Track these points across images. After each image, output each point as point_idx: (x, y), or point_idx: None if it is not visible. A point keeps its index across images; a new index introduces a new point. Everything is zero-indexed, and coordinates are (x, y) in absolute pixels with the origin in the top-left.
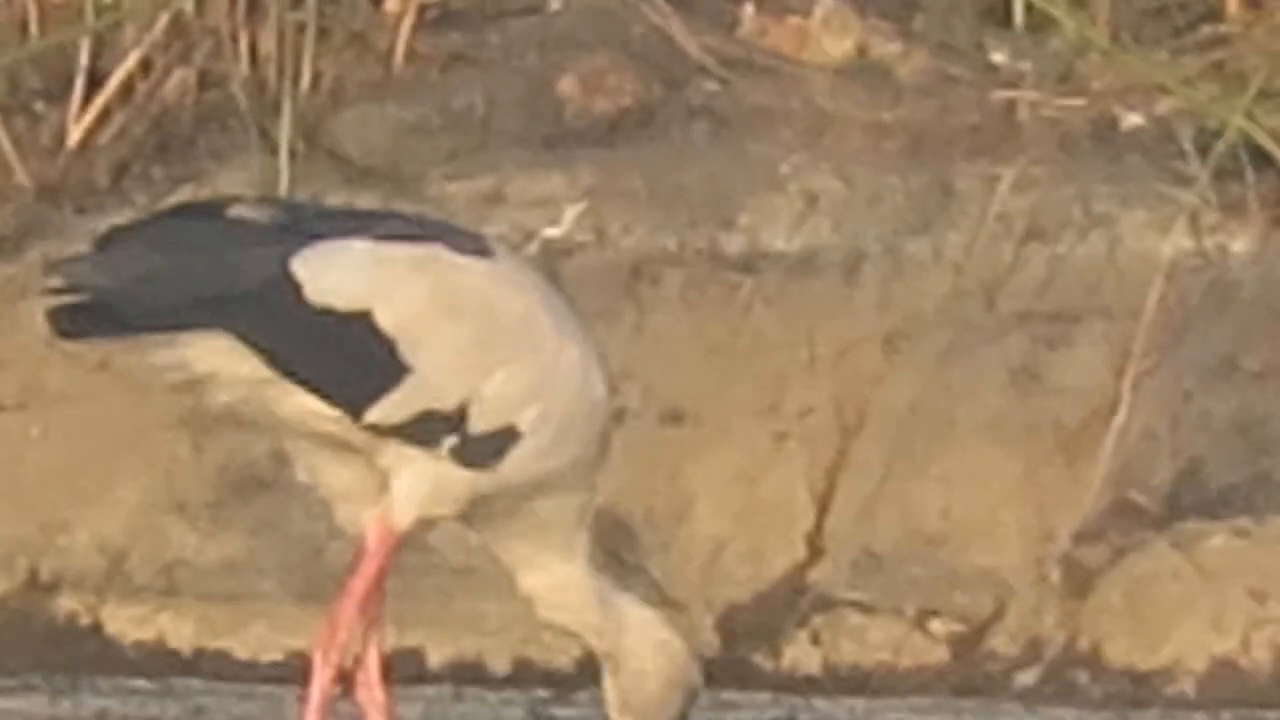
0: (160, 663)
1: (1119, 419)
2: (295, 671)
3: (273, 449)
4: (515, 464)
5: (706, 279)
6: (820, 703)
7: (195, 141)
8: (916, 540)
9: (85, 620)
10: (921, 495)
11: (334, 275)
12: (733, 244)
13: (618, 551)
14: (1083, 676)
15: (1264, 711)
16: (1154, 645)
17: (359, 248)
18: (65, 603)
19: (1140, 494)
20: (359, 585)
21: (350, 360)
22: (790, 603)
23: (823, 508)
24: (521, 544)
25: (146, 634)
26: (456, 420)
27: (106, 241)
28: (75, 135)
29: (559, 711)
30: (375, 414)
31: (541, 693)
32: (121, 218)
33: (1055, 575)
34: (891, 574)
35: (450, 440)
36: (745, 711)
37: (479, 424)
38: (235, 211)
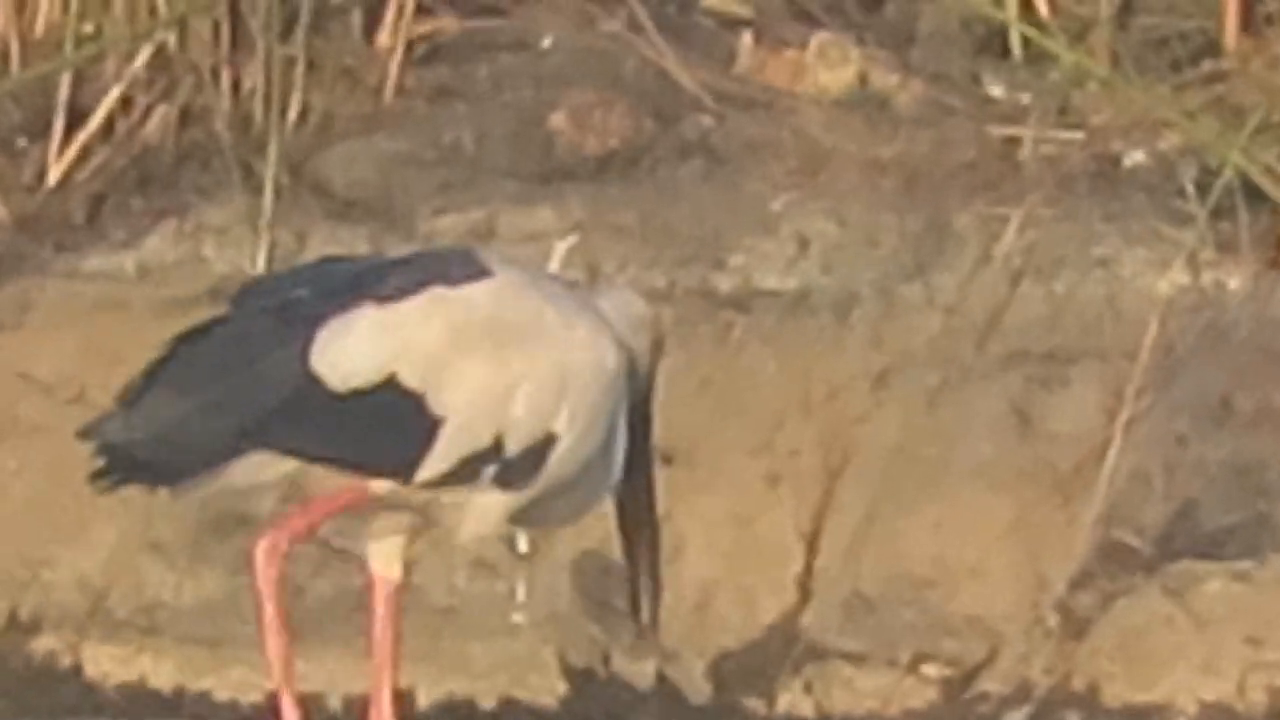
0: (141, 704)
1: (1110, 461)
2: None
3: None
4: (556, 465)
5: (698, 317)
6: None
7: (177, 177)
8: (907, 584)
9: (66, 661)
10: (912, 538)
11: (353, 358)
12: (725, 283)
13: (606, 598)
14: (1075, 718)
15: None
16: (1147, 689)
17: (366, 319)
18: (45, 642)
19: (1133, 537)
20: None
21: (387, 431)
22: (782, 648)
23: (812, 550)
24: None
25: (127, 675)
26: (494, 452)
27: (133, 395)
28: (56, 172)
29: None
30: (424, 473)
31: None
32: (99, 254)
33: (1048, 619)
34: (882, 618)
35: (490, 471)
36: None
37: (516, 446)
38: (237, 315)
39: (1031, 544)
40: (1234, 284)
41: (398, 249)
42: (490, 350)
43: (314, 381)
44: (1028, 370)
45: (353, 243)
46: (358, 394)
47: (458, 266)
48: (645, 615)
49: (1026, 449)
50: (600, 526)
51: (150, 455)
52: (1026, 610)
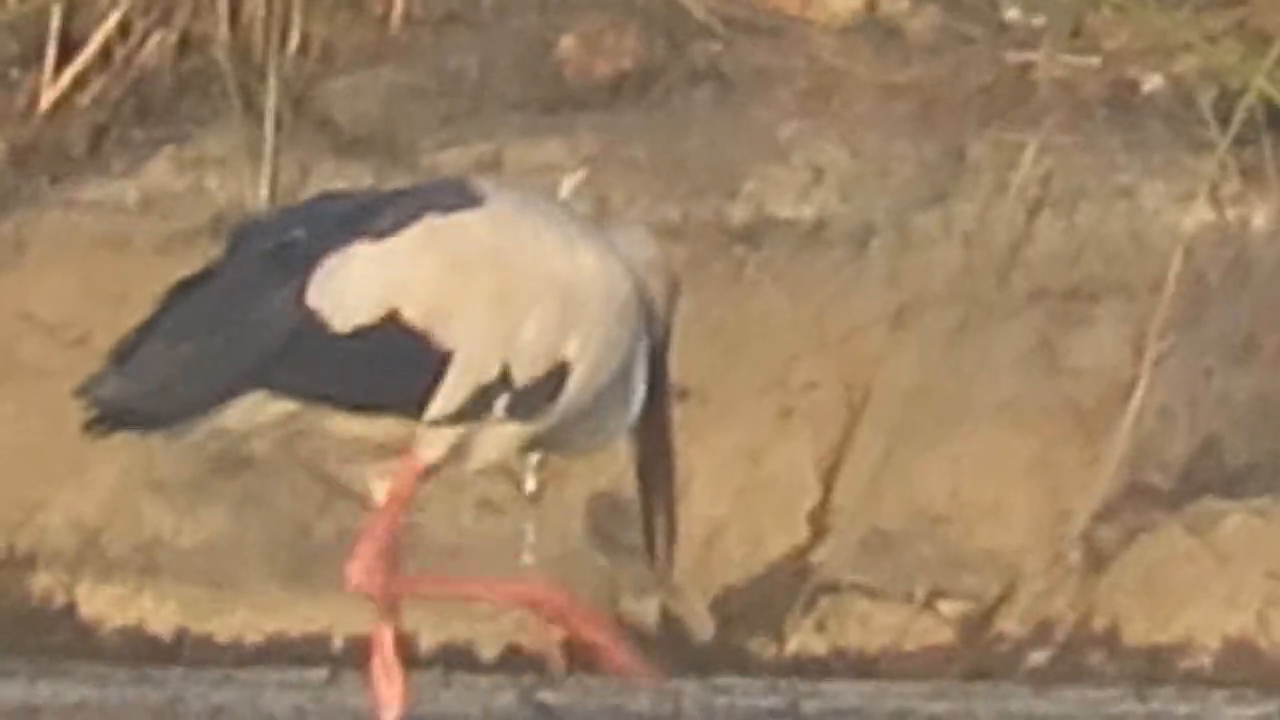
0: (139, 647)
1: (1136, 398)
2: (279, 656)
3: None
4: (573, 395)
5: (712, 252)
6: (826, 687)
7: (176, 106)
8: (924, 521)
9: (61, 602)
10: (930, 475)
11: (351, 296)
12: (738, 214)
13: (611, 535)
14: (1095, 657)
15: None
16: (1168, 625)
17: (362, 255)
18: (41, 584)
19: (1156, 473)
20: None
21: (392, 369)
22: (791, 586)
23: (827, 487)
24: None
25: (126, 617)
26: (502, 383)
27: (126, 349)
28: (48, 100)
29: (548, 696)
30: (435, 409)
31: (531, 678)
32: (98, 185)
33: (1068, 556)
34: (897, 555)
35: (501, 402)
36: (743, 697)
37: (524, 376)
38: (229, 262)
39: (1052, 480)
40: (1259, 218)
41: (402, 183)
42: (490, 279)
43: (313, 322)
44: (1050, 306)
45: (358, 176)
46: (359, 333)
47: (451, 196)
48: (659, 556)
49: (1048, 385)
50: (611, 467)
51: (144, 405)
52: (1046, 547)
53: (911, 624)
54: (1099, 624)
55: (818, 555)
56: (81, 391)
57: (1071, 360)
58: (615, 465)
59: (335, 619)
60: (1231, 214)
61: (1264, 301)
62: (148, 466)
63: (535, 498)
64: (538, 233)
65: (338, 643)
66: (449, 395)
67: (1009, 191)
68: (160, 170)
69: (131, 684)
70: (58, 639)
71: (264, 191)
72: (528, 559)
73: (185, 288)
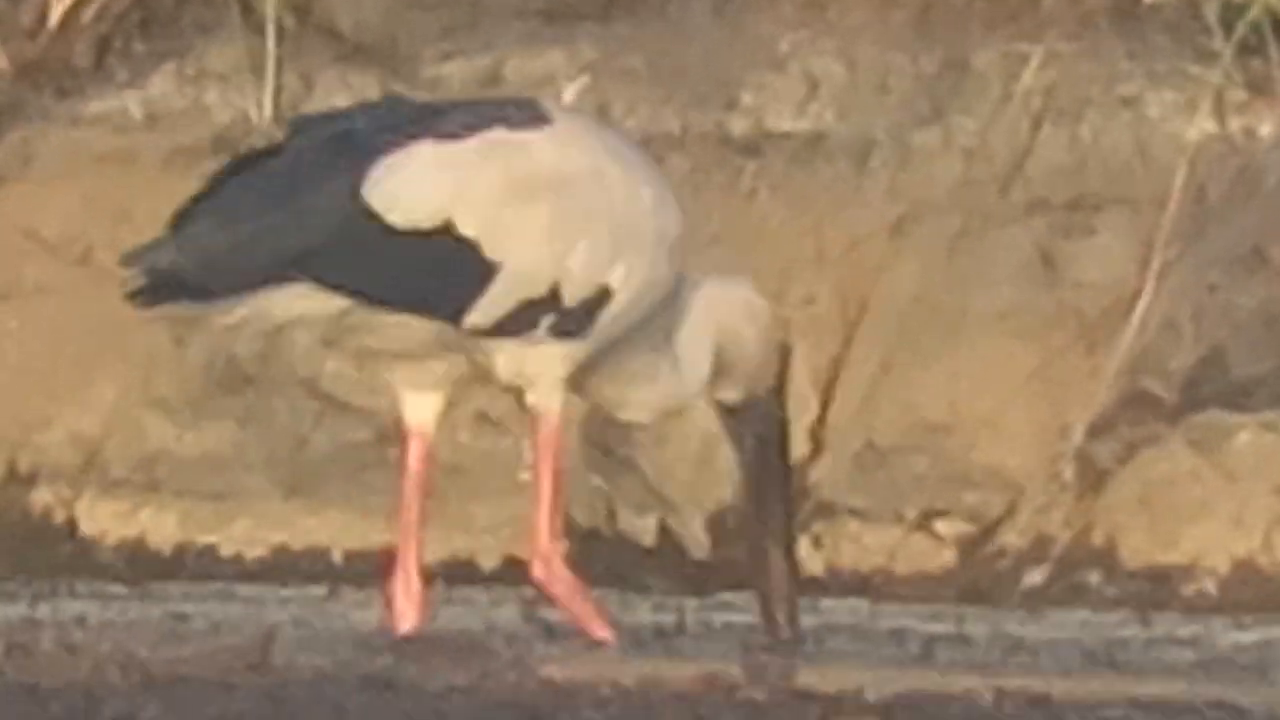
0: (140, 562)
1: (1140, 310)
2: (280, 570)
3: (257, 345)
4: (610, 321)
5: (711, 164)
6: (823, 605)
7: (179, 17)
8: (922, 435)
9: (62, 519)
10: (929, 389)
11: (408, 194)
12: (737, 126)
13: (608, 449)
14: (1095, 577)
15: None
16: (1171, 545)
17: (425, 156)
18: (42, 500)
19: (1159, 386)
20: (547, 487)
21: (440, 273)
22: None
23: (825, 401)
24: (615, 385)
25: (127, 532)
26: (550, 301)
27: (180, 220)
28: (56, 14)
29: (549, 612)
30: (474, 317)
31: (531, 592)
32: (102, 99)
33: (1068, 471)
34: (895, 471)
35: (547, 320)
36: (740, 614)
37: (572, 298)
38: (290, 145)
39: (1053, 394)
40: (1265, 129)
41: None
42: (549, 198)
43: (365, 215)
44: (1051, 217)
45: (362, 88)
46: (410, 233)
47: (519, 114)
48: (784, 623)
49: (1050, 297)
50: None
51: (191, 278)
52: (1046, 463)
53: (907, 542)
54: (1099, 543)
55: (815, 471)
56: (130, 259)
57: (1074, 272)
58: None
59: (335, 533)
60: (1236, 124)
61: (1270, 212)
62: (148, 383)
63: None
64: (599, 161)
65: (337, 556)
66: (490, 307)
67: (1011, 103)
68: (163, 85)
69: (132, 600)
70: (58, 556)
71: (267, 104)
72: (526, 476)
73: (243, 164)
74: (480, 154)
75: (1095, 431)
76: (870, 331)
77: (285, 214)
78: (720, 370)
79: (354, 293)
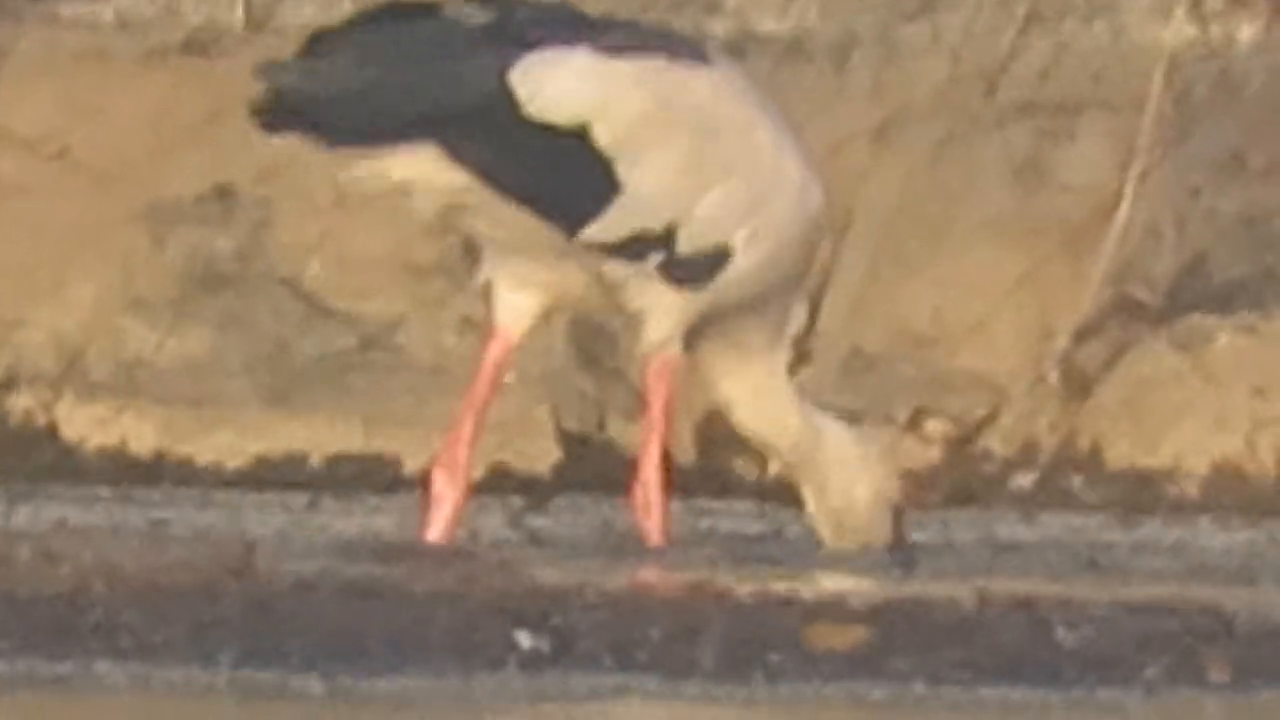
0: (120, 467)
1: (1122, 214)
2: (261, 478)
3: (238, 244)
4: (727, 283)
5: None
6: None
7: None
8: (908, 341)
9: (41, 423)
10: (914, 294)
11: (554, 89)
12: (719, 28)
13: (597, 356)
14: (1080, 481)
15: (1270, 517)
16: (1154, 448)
17: (580, 60)
18: (21, 405)
19: (1143, 290)
20: (655, 428)
21: (565, 177)
22: None
23: (813, 308)
24: (725, 355)
25: (106, 437)
26: (663, 240)
27: (320, 46)
28: None
29: (536, 520)
30: (588, 232)
31: (518, 500)
32: (76, 3)
33: (1053, 375)
34: (881, 376)
35: (657, 257)
36: (726, 520)
37: (688, 244)
38: (449, 11)
39: (1038, 298)
40: (1245, 33)
41: None
42: (691, 138)
43: (505, 98)
44: (1035, 122)
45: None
46: (543, 129)
47: (685, 49)
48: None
49: (1034, 201)
50: None
51: (320, 111)
52: (1031, 366)
53: (895, 446)
54: (1084, 446)
55: (802, 377)
56: (262, 72)
57: (1058, 176)
58: None
59: (316, 439)
60: (1217, 29)
61: (1251, 117)
62: (128, 285)
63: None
64: (752, 121)
65: (317, 463)
66: (606, 226)
67: (995, 4)
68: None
69: (113, 505)
70: (38, 460)
71: (239, 8)
72: (510, 379)
73: (397, 11)
74: (635, 75)
75: (1080, 336)
76: (856, 239)
77: (426, 73)
78: (833, 519)
79: (477, 170)
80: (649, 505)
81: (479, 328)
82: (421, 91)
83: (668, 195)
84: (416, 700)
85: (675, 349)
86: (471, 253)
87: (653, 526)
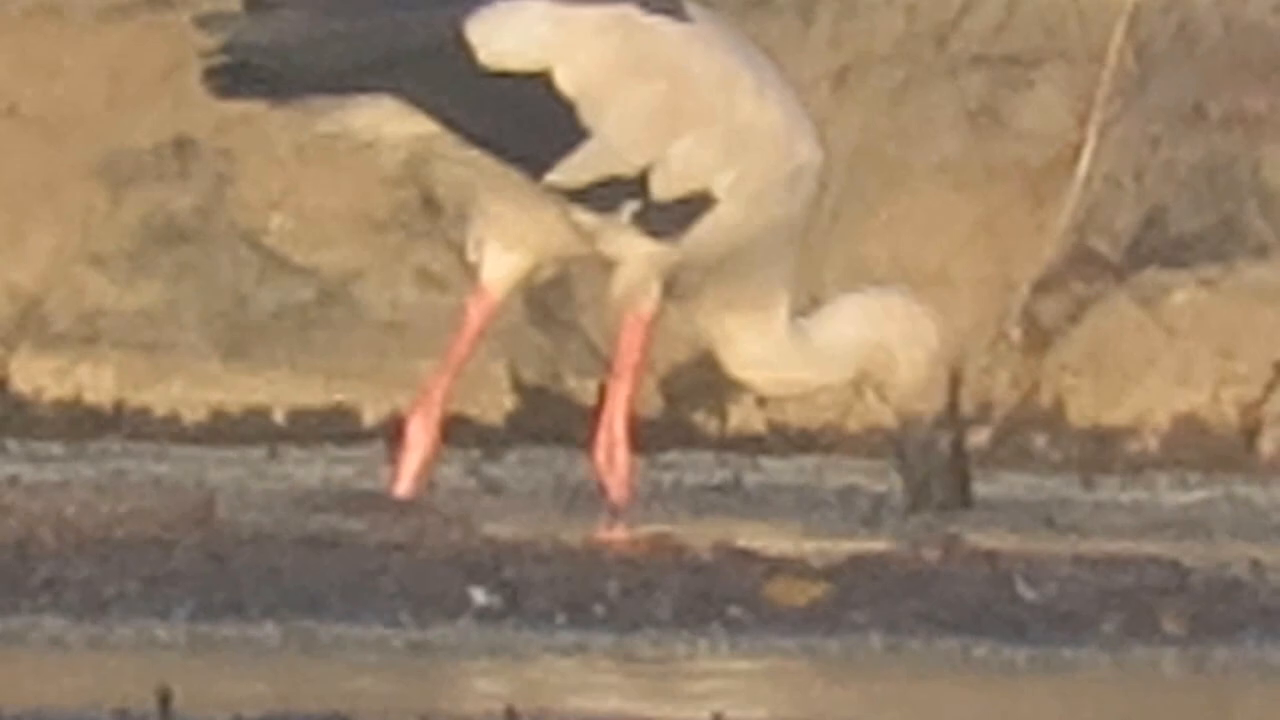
0: (77, 419)
1: (1082, 165)
2: (217, 430)
3: (196, 198)
4: (708, 233)
5: None
6: (767, 463)
7: None
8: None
9: None
10: (873, 242)
11: (511, 37)
12: None
13: (552, 310)
14: (1040, 439)
15: (1231, 474)
16: (1115, 403)
17: (537, 8)
18: None
19: (1103, 243)
20: (625, 381)
21: (528, 123)
22: None
23: None
24: (724, 311)
25: (63, 389)
26: (637, 186)
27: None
28: None
29: (492, 469)
30: (555, 175)
31: (475, 451)
32: None
33: (1013, 329)
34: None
35: (632, 205)
36: (689, 472)
37: (663, 190)
38: None
39: (997, 247)
40: None
41: None
42: (662, 87)
43: (462, 45)
44: (994, 70)
45: None
46: (506, 75)
47: (660, 4)
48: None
49: (993, 148)
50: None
51: (275, 66)
52: (990, 317)
53: (852, 402)
54: (1044, 401)
55: None
56: (206, 24)
57: (1015, 125)
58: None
59: (274, 392)
60: None
61: (1211, 67)
62: (86, 239)
63: (476, 270)
64: (731, 70)
65: (275, 415)
66: (572, 170)
67: None
68: None
69: (69, 457)
70: None
71: None
72: None
73: None
74: (599, 22)
75: (1040, 289)
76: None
77: (384, 23)
78: (909, 388)
79: (440, 119)
80: (616, 462)
81: (438, 281)
82: (375, 41)
83: (636, 141)
84: (372, 651)
85: (651, 303)
86: (431, 206)
87: (619, 483)
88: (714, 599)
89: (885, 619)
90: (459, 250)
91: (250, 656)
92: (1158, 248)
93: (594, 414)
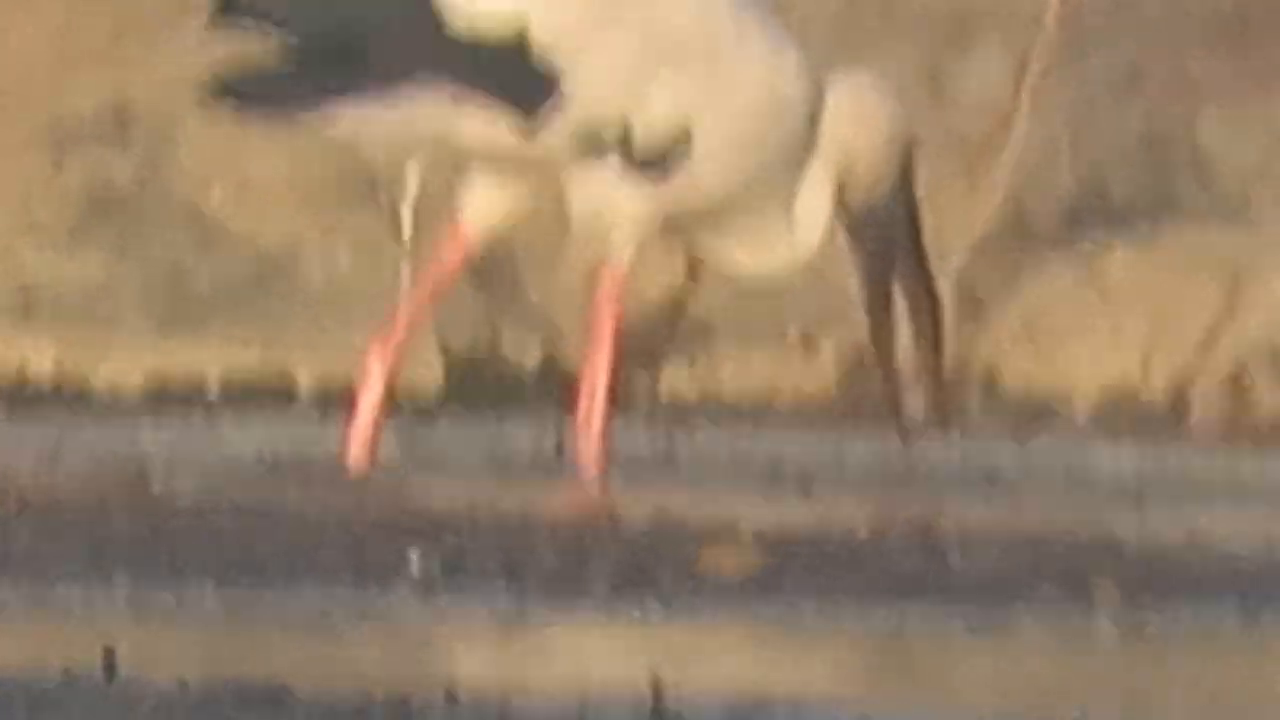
0: (17, 390)
1: (1018, 132)
2: (157, 399)
3: (136, 168)
4: (696, 174)
5: None
6: (701, 430)
7: None
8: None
9: None
10: None
11: (482, 3)
12: None
13: (489, 276)
14: (974, 403)
15: (1164, 440)
16: (1050, 369)
17: None
18: None
19: (1039, 207)
20: (600, 345)
21: (507, 82)
22: (667, 328)
23: None
24: (711, 235)
25: (2, 360)
26: (619, 134)
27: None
28: None
29: (427, 437)
30: (539, 129)
31: (409, 416)
32: None
33: (948, 295)
34: (774, 296)
35: (614, 157)
36: (623, 440)
37: (646, 136)
38: None
39: (933, 216)
40: None
41: None
42: (638, 31)
43: (429, 11)
44: (931, 36)
45: None
46: (479, 37)
47: None
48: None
49: (930, 116)
50: None
51: (273, 80)
52: None
53: (786, 368)
54: (979, 366)
55: (693, 297)
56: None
57: (953, 93)
58: None
59: (213, 361)
60: None
61: (1149, 32)
62: (25, 209)
63: (413, 238)
64: (710, 4)
65: (214, 384)
66: (555, 122)
67: None
68: None
69: (9, 427)
70: None
71: None
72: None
73: None
74: None
75: (975, 254)
76: None
77: (345, 13)
78: (840, 183)
79: (408, 78)
80: (592, 432)
81: (378, 251)
82: (344, 25)
83: (614, 86)
84: (311, 619)
85: (626, 262)
86: (369, 176)
87: (593, 449)
88: (649, 568)
89: (820, 588)
90: (397, 221)
91: (190, 624)
92: (1095, 215)
93: (532, 376)
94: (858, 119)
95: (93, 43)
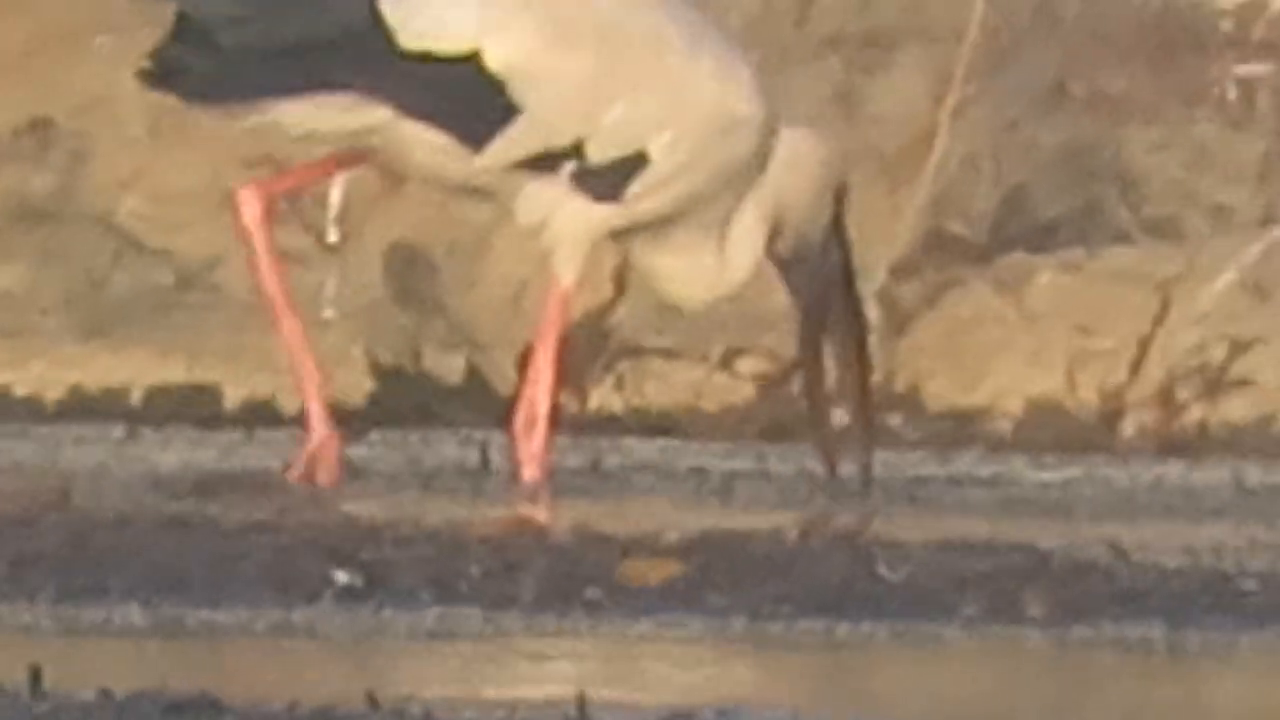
0: None
1: (939, 147)
2: (78, 411)
3: (54, 179)
4: (647, 194)
5: None
6: (627, 443)
7: None
8: None
9: None
10: None
11: (431, 16)
12: None
13: (414, 289)
14: (897, 418)
15: (1087, 454)
16: (973, 386)
17: None
18: None
19: (961, 226)
20: (545, 356)
21: (458, 103)
22: (594, 343)
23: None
24: (655, 256)
25: None
26: (573, 153)
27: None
28: None
29: (354, 450)
30: (489, 155)
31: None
32: None
33: (871, 312)
34: (695, 313)
35: (569, 166)
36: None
37: (600, 155)
38: None
39: (856, 232)
40: None
41: None
42: (591, 55)
43: (378, 29)
44: (848, 51)
45: None
46: (428, 58)
47: None
48: (860, 466)
49: (849, 132)
50: (413, 213)
51: (212, 74)
52: None
53: (708, 383)
54: (901, 384)
55: (618, 313)
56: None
57: (871, 108)
58: (415, 214)
59: (133, 373)
60: None
61: (1071, 46)
62: None
63: (336, 249)
64: (661, 27)
65: (135, 396)
66: (507, 147)
67: None
68: None
69: None
70: None
71: None
72: (329, 313)
73: None
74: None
75: (897, 273)
76: None
77: (293, 18)
78: (775, 228)
79: (371, 95)
80: (534, 440)
81: (296, 261)
82: (293, 31)
83: (568, 112)
84: (236, 633)
85: (577, 272)
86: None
87: (533, 461)
88: (574, 580)
89: (745, 599)
90: (317, 231)
91: (115, 639)
92: (1017, 231)
93: (456, 391)
94: (793, 168)
95: (8, 59)
